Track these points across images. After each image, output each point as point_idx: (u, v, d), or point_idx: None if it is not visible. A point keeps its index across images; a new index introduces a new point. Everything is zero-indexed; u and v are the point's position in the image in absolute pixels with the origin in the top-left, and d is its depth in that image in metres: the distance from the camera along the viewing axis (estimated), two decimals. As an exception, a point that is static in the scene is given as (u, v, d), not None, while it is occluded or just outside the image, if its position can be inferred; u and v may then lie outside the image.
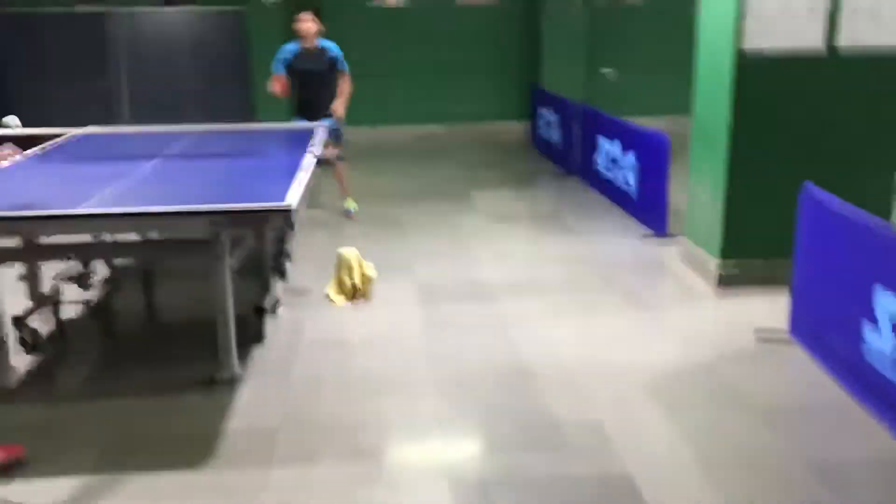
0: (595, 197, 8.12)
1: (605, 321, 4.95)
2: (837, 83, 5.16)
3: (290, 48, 7.27)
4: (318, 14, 7.32)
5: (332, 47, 7.32)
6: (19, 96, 11.77)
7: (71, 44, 11.94)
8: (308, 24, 7.18)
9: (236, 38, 12.02)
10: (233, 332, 4.08)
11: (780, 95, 5.15)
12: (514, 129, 12.44)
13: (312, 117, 7.06)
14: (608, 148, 7.93)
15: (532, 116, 11.56)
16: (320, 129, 6.10)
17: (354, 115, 12.11)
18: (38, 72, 11.92)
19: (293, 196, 3.88)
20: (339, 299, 5.24)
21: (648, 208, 6.83)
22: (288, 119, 7.73)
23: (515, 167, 9.94)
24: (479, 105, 12.72)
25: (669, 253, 6.16)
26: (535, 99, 11.52)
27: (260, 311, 4.66)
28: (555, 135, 10.04)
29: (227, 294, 3.99)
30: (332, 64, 7.26)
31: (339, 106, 7.27)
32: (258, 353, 4.51)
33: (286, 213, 3.72)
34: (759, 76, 5.09)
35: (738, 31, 5.02)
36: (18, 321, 4.44)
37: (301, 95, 7.34)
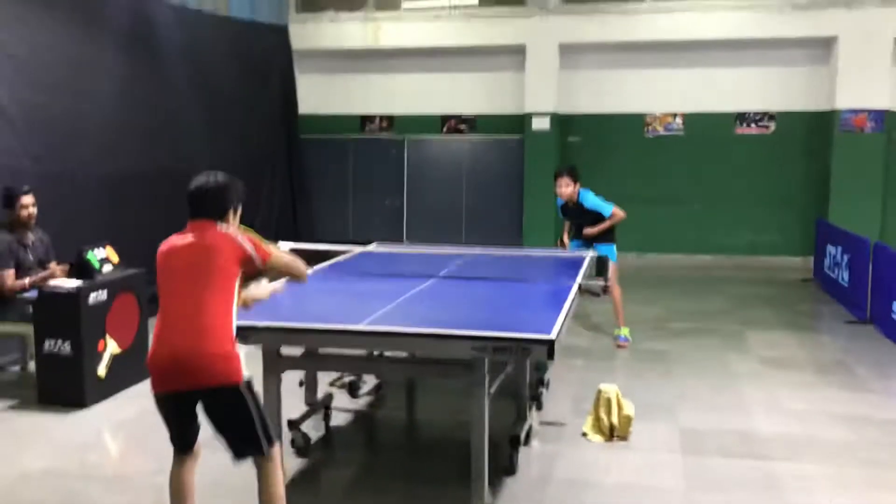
0: (891, 348, 7.25)
1: (901, 499, 4.29)
2: None
3: (560, 201, 7.57)
4: (573, 173, 7.41)
5: (588, 201, 7.34)
6: (320, 211, 13.17)
7: (368, 166, 13.23)
8: (561, 189, 7.37)
9: (512, 165, 12.60)
10: (486, 460, 4.04)
11: None
12: (794, 264, 11.66)
13: (586, 245, 7.28)
14: (908, 295, 7.11)
15: (816, 253, 10.75)
16: (587, 258, 6.08)
17: (623, 241, 12.15)
18: (337, 189, 13.28)
19: (556, 328, 3.85)
20: (596, 437, 5.05)
21: (959, 368, 5.95)
22: (552, 244, 7.86)
23: (795, 307, 9.20)
24: (755, 237, 12.13)
25: None
26: (820, 234, 10.73)
27: (514, 441, 4.61)
28: (843, 275, 9.22)
29: (483, 421, 3.98)
30: (594, 215, 7.33)
31: (591, 230, 7.35)
32: (509, 484, 4.43)
33: (548, 344, 3.68)
34: None
35: None
36: (293, 424, 4.76)
37: (576, 228, 7.61)
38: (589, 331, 7.95)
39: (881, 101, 11.28)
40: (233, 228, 3.47)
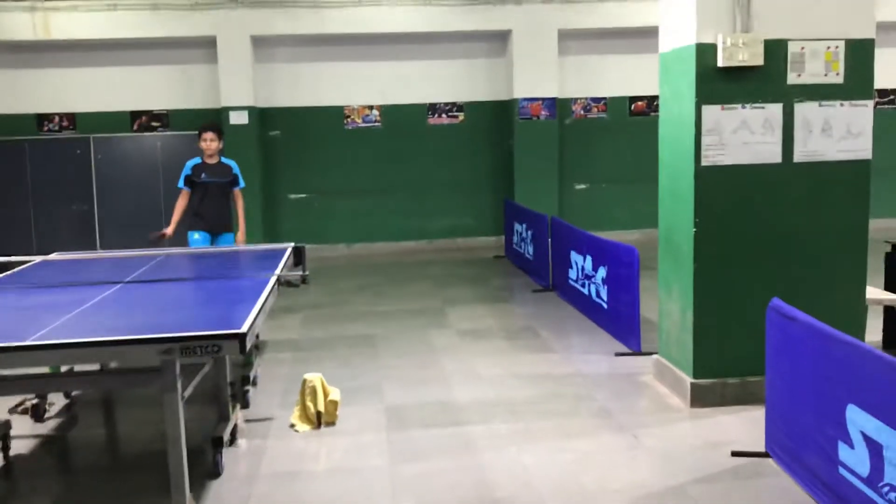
0: (570, 312, 8.06)
1: (579, 443, 4.78)
2: (794, 192, 5.18)
3: (192, 162, 7.51)
4: (219, 128, 7.62)
5: (235, 165, 7.66)
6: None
7: (49, 170, 12.06)
8: (208, 143, 7.42)
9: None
10: (185, 465, 3.88)
11: (738, 205, 5.16)
12: (488, 244, 12.56)
13: (209, 237, 7.48)
14: (581, 262, 7.93)
15: (506, 231, 11.66)
16: (287, 250, 6.06)
17: (331, 233, 12.37)
18: (14, 198, 11.98)
19: (248, 322, 3.78)
20: (304, 427, 5.06)
21: (621, 324, 6.75)
22: (260, 239, 7.77)
23: (490, 282, 9.92)
24: (454, 221, 12.87)
25: (643, 370, 6.04)
26: (508, 214, 11.64)
27: (217, 443, 4.47)
28: (529, 249, 10.08)
29: (179, 426, 3.81)
30: (231, 182, 7.58)
31: (241, 233, 7.74)
32: (215, 486, 4.30)
33: (239, 339, 3.61)
34: (718, 187, 5.12)
35: (697, 148, 5.08)
36: (-40, 460, 4.23)
37: (202, 202, 7.52)
38: (300, 323, 7.95)
39: (551, 90, 12.46)
40: None
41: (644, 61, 12.15)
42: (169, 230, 7.40)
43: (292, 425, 5.10)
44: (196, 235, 7.37)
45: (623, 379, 5.96)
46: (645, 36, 11.33)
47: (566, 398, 5.57)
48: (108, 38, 11.74)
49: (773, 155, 5.13)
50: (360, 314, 8.34)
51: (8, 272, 5.61)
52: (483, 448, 4.71)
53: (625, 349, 6.57)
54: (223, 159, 7.54)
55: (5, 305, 4.59)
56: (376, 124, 12.76)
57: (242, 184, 7.65)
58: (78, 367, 5.03)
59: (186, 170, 7.42)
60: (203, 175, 7.38)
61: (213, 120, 7.92)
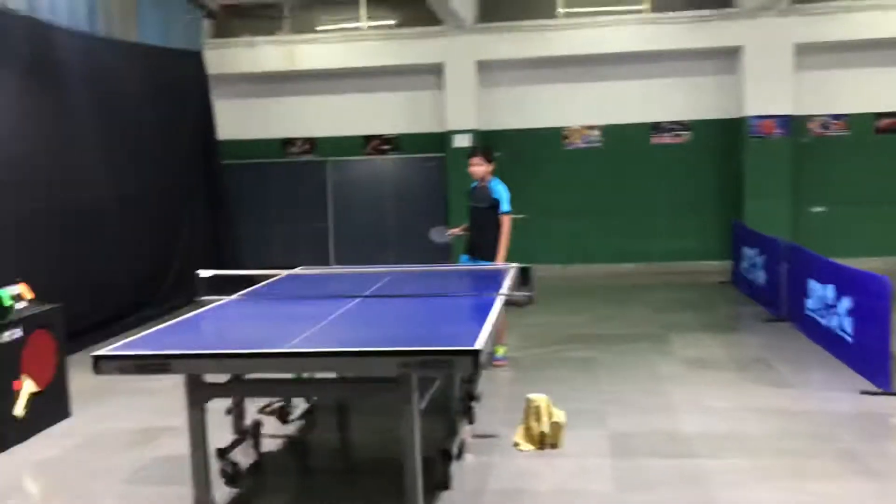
0: (807, 344, 7.52)
1: (819, 486, 4.44)
2: None
3: (473, 183, 7.44)
4: (487, 153, 7.35)
5: (496, 187, 7.23)
6: (244, 237, 12.95)
7: (291, 190, 13.11)
8: (472, 168, 7.26)
9: (437, 183, 12.67)
10: (420, 475, 4.03)
11: None
12: (713, 268, 12.00)
13: (473, 260, 7.29)
14: (820, 292, 7.39)
15: (734, 256, 11.11)
16: (511, 270, 6.15)
17: (547, 253, 12.40)
18: (261, 215, 13.13)
19: (481, 339, 3.87)
20: (527, 446, 5.09)
21: (869, 359, 6.21)
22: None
23: (716, 309, 9.49)
24: (675, 243, 12.46)
25: (894, 411, 5.51)
26: (736, 237, 11.09)
27: (446, 456, 4.61)
28: (760, 276, 9.54)
29: (414, 437, 3.97)
30: (492, 204, 7.19)
31: (500, 252, 7.21)
32: (444, 499, 4.43)
33: (474, 356, 3.70)
34: None
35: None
36: (221, 453, 4.67)
37: (470, 228, 7.50)
38: (518, 342, 8.03)
39: (786, 107, 11.77)
40: None
41: (894, 75, 11.19)
42: (457, 230, 7.61)
43: (516, 444, 5.16)
44: (465, 255, 7.48)
45: (870, 419, 5.47)
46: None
47: (804, 436, 5.19)
48: (344, 68, 12.59)
49: None
50: (577, 336, 8.28)
51: (259, 284, 6.14)
52: (714, 483, 4.50)
53: (872, 387, 6.02)
54: (491, 183, 7.26)
55: (261, 314, 5.03)
56: (596, 144, 12.67)
57: (503, 208, 7.16)
58: (318, 374, 5.38)
59: (471, 186, 7.51)
60: (469, 200, 7.45)
61: (483, 144, 7.76)
